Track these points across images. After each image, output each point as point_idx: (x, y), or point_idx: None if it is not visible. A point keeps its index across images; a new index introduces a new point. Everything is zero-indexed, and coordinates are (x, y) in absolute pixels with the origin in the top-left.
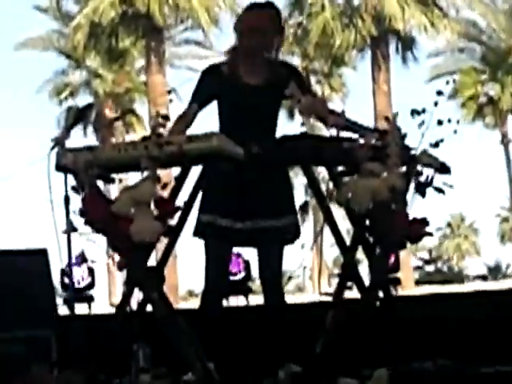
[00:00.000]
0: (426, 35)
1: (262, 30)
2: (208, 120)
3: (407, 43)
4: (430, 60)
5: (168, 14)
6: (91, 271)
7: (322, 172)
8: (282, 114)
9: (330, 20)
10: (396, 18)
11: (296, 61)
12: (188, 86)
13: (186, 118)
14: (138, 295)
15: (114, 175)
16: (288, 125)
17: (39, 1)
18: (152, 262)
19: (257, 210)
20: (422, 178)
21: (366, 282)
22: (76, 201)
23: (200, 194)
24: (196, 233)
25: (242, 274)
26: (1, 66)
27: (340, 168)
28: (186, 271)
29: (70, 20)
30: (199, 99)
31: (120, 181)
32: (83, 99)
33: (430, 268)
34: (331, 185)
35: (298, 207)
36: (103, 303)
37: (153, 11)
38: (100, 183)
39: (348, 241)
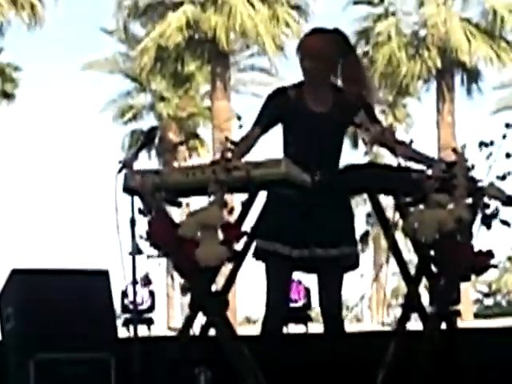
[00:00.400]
0: (492, 67)
1: (323, 53)
2: (272, 143)
3: (472, 75)
4: (495, 92)
5: (234, 39)
6: (152, 294)
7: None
8: (346, 143)
9: (396, 50)
10: (462, 50)
11: None
12: (252, 113)
13: (248, 141)
14: (200, 319)
15: (180, 199)
16: (352, 153)
17: (106, 23)
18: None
19: (318, 238)
20: (489, 211)
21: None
22: (142, 223)
23: (262, 218)
24: (256, 256)
25: (302, 302)
26: (66, 86)
27: (407, 198)
28: (244, 296)
29: (136, 43)
30: (263, 123)
31: (187, 205)
32: (147, 122)
33: (488, 301)
34: (397, 214)
35: (358, 237)
36: (162, 326)
37: (219, 37)
38: (167, 207)
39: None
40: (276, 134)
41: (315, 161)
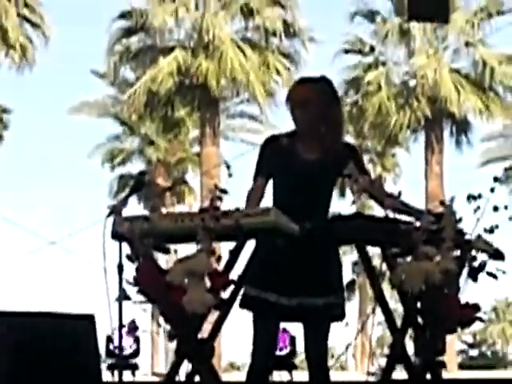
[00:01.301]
0: (481, 119)
1: (313, 102)
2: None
3: (462, 126)
4: (483, 144)
5: (224, 85)
6: (137, 339)
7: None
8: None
9: (385, 100)
10: (451, 101)
11: (350, 139)
12: (241, 160)
13: (257, 193)
14: (186, 366)
15: (169, 245)
16: (339, 203)
17: (97, 66)
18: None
19: (305, 286)
20: (476, 263)
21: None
22: (130, 269)
23: (250, 265)
24: (243, 305)
25: (288, 350)
26: (54, 129)
27: (395, 249)
28: (229, 341)
29: (126, 87)
30: (264, 172)
31: (175, 251)
32: (135, 166)
33: (473, 352)
34: (384, 265)
35: (345, 285)
36: (146, 372)
37: (209, 82)
38: (155, 253)
39: (398, 322)
40: None
41: (305, 209)
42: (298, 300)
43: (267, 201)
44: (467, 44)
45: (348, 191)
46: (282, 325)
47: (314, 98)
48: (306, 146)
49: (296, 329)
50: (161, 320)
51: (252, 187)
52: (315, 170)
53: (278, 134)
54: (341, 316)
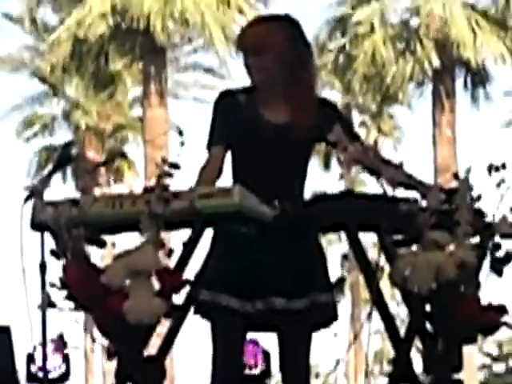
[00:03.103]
0: (503, 67)
1: (269, 45)
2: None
3: (479, 77)
4: (507, 99)
5: (173, 30)
6: (66, 358)
7: (369, 240)
8: (315, 163)
9: (380, 45)
10: (465, 45)
11: (336, 96)
12: (196, 125)
13: (213, 167)
14: None
15: (105, 237)
16: (323, 177)
17: (8, 7)
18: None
19: (278, 285)
20: (500, 253)
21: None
22: (55, 268)
23: (208, 262)
24: (199, 312)
25: (260, 368)
26: None
27: (396, 236)
28: (183, 361)
29: (47, 34)
30: (222, 138)
31: (113, 245)
32: (60, 136)
33: (499, 367)
34: (383, 257)
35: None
36: None
37: (154, 26)
38: (87, 247)
39: (402, 330)
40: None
41: (276, 187)
42: (268, 303)
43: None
44: None
45: (334, 163)
46: (253, 336)
47: (271, 42)
48: (270, 106)
49: (271, 341)
50: (96, 333)
51: (207, 159)
52: (285, 137)
53: (234, 88)
54: (331, 319)
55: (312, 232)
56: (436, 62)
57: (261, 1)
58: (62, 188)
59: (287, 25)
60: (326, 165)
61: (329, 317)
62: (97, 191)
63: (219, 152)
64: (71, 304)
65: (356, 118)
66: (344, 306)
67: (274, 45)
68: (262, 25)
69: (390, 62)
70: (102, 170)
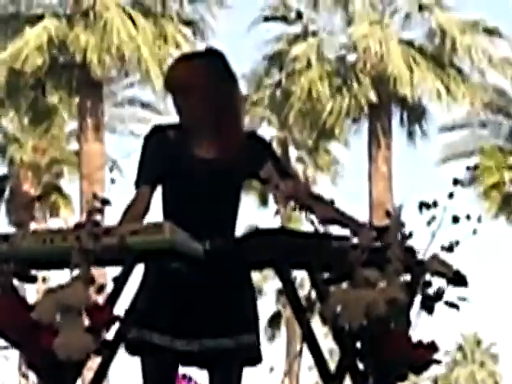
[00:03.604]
0: (440, 104)
1: (192, 85)
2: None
3: (415, 113)
4: (442, 135)
5: (109, 64)
6: None
7: (299, 276)
8: (252, 200)
9: (317, 81)
10: (402, 81)
11: (272, 131)
12: (132, 159)
13: (139, 206)
14: None
15: (35, 272)
16: (260, 212)
17: None
18: None
19: (208, 325)
20: (431, 290)
21: None
22: None
23: (137, 299)
24: (128, 349)
25: None
26: None
27: (327, 274)
28: None
29: None
30: (149, 178)
31: (44, 280)
32: None
33: None
34: (313, 294)
35: (268, 319)
36: None
37: (90, 60)
38: (17, 282)
39: (332, 366)
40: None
41: (206, 224)
42: (200, 343)
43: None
44: (421, 8)
45: (271, 199)
46: (185, 370)
47: (196, 81)
48: (199, 144)
49: (204, 375)
50: (27, 370)
51: (133, 198)
52: (215, 173)
53: (165, 124)
54: (256, 360)
55: (243, 268)
56: (373, 98)
57: (198, 35)
58: None
59: (210, 59)
60: (264, 201)
61: (254, 357)
62: (32, 226)
63: (147, 191)
64: (1, 340)
65: (293, 153)
66: (280, 340)
67: (198, 85)
68: (186, 64)
69: (327, 98)
70: (38, 205)
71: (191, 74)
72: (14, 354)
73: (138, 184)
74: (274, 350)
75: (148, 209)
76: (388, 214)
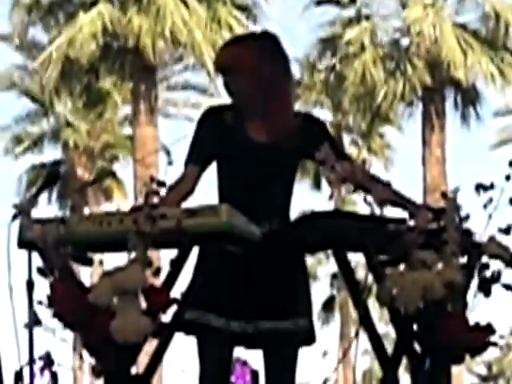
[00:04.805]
0: (494, 87)
1: (241, 65)
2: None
3: (469, 97)
4: (496, 120)
5: (163, 49)
6: (54, 377)
7: (357, 260)
8: (305, 183)
9: (371, 65)
10: (456, 65)
11: (326, 115)
12: (185, 145)
13: (184, 185)
14: None
15: (92, 255)
16: (313, 197)
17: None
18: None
19: (264, 307)
20: (488, 273)
21: None
22: (43, 287)
23: (194, 281)
24: (185, 330)
25: None
26: None
27: (383, 256)
28: (172, 379)
29: (37, 52)
30: (200, 157)
31: (100, 263)
32: (49, 154)
33: None
34: (370, 277)
35: (322, 303)
36: None
37: (143, 45)
38: (74, 265)
39: (389, 350)
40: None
41: (261, 206)
42: (255, 325)
43: (199, 197)
44: None
45: (324, 183)
46: (242, 356)
47: (245, 59)
48: (251, 125)
49: (260, 361)
50: (84, 352)
51: (181, 175)
52: (270, 154)
53: (219, 105)
54: (309, 340)
55: (298, 252)
56: (426, 82)
57: (251, 19)
58: (47, 210)
59: (262, 41)
60: (317, 184)
61: (308, 338)
62: (86, 210)
63: (195, 171)
64: (58, 323)
65: (346, 137)
66: (334, 325)
67: (247, 64)
68: (236, 44)
69: (381, 82)
70: (91, 189)
71: (241, 53)
72: (70, 336)
73: (187, 164)
74: (327, 334)
75: (193, 189)
76: (444, 195)
